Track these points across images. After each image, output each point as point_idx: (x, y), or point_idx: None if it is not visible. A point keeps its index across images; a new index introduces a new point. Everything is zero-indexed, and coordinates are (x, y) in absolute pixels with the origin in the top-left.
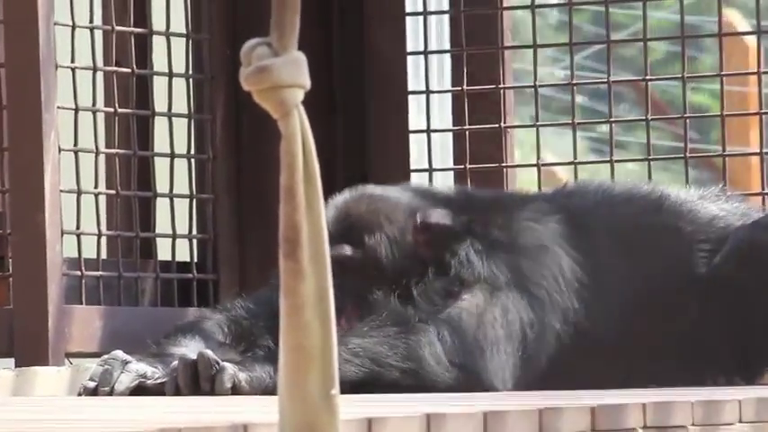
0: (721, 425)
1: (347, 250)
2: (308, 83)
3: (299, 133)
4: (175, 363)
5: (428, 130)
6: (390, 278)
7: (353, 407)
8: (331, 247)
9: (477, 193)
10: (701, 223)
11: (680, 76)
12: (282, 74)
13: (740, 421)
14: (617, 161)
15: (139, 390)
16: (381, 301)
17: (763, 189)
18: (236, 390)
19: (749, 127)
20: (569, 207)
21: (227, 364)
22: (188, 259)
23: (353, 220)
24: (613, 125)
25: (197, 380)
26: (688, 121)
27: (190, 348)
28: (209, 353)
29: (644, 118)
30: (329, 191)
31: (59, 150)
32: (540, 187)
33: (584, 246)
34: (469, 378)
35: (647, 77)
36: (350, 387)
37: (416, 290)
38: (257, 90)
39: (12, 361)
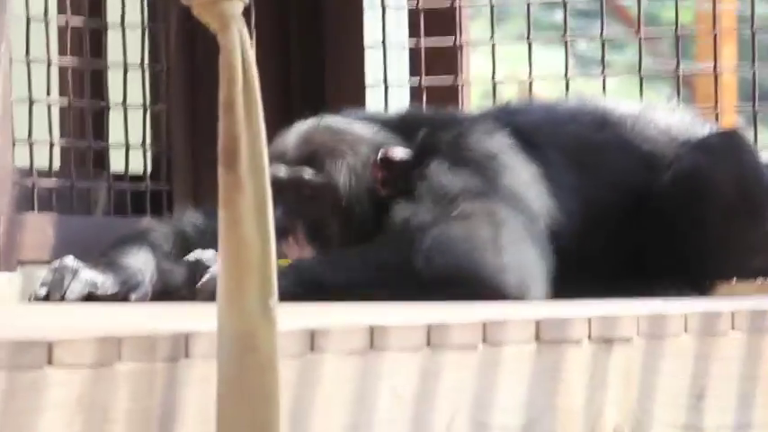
0: (666, 337)
1: (307, 173)
2: None
3: (238, 46)
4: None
5: (383, 46)
6: (344, 207)
7: (296, 318)
8: (291, 170)
9: (423, 113)
10: (648, 137)
11: None
12: None
13: (685, 333)
14: (607, 76)
15: (90, 298)
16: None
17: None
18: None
19: (721, 44)
20: (515, 124)
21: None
22: (141, 170)
23: (316, 146)
24: (590, 43)
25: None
26: (669, 36)
27: (139, 259)
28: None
29: (635, 34)
30: (285, 108)
31: (11, 61)
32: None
33: (532, 158)
34: (473, 279)
35: None
36: (347, 293)
37: (400, 211)
38: (196, 3)
39: None
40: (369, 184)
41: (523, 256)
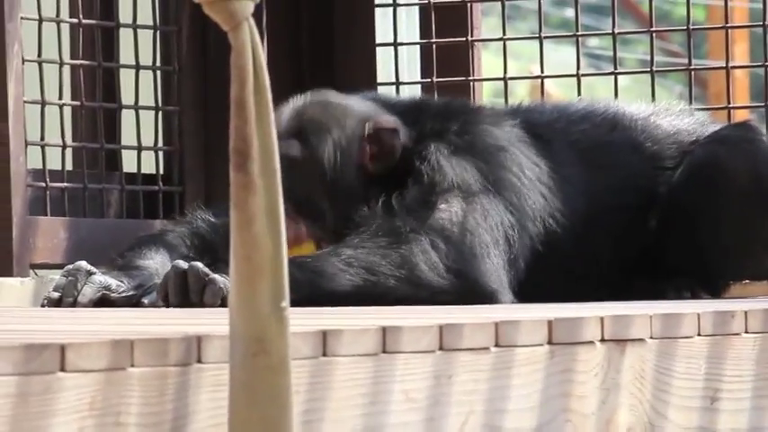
0: (680, 338)
1: (294, 148)
2: None
3: (249, 46)
4: (167, 271)
5: (395, 44)
6: (330, 183)
7: (308, 319)
8: (279, 144)
9: (434, 101)
10: (658, 139)
11: None
12: None
13: (699, 335)
14: (619, 73)
15: (103, 302)
16: (370, 213)
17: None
18: (225, 302)
19: (733, 41)
20: (527, 119)
21: (217, 276)
22: (154, 171)
23: (305, 120)
24: (602, 40)
25: (186, 291)
26: (681, 34)
27: (155, 261)
28: (200, 264)
29: (647, 30)
30: None
31: (23, 61)
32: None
33: (542, 152)
34: (466, 283)
35: None
36: (344, 298)
37: (395, 201)
38: (207, 2)
39: None
40: (357, 160)
41: (488, 266)
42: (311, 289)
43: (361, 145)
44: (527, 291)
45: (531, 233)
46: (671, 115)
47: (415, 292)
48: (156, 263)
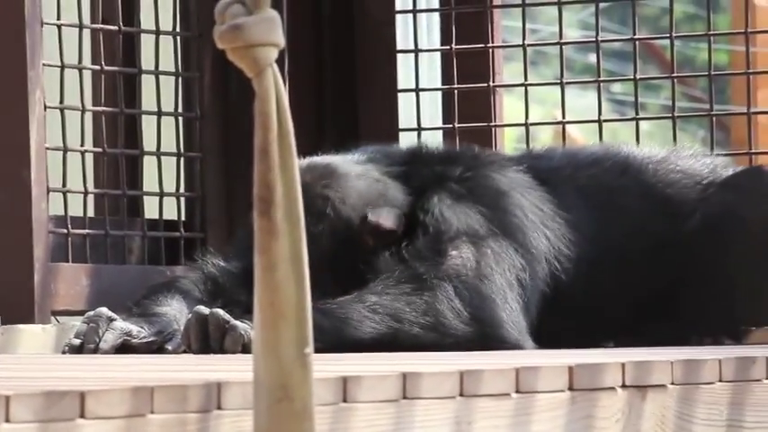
0: (701, 384)
1: None
2: (281, 41)
3: (272, 92)
4: (187, 318)
5: (417, 90)
6: (328, 265)
7: (329, 365)
8: None
9: (435, 149)
10: (670, 182)
11: (705, 33)
12: (255, 32)
13: (720, 380)
14: (641, 119)
15: (124, 348)
16: (391, 260)
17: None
18: (246, 348)
19: (756, 87)
20: (534, 165)
21: (237, 323)
22: (175, 218)
23: (303, 199)
24: (626, 86)
25: (207, 337)
26: (704, 80)
27: (173, 307)
28: (221, 311)
29: (669, 75)
30: (319, 150)
31: (45, 108)
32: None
33: (546, 197)
34: (489, 330)
35: (673, 35)
36: (369, 345)
37: (406, 251)
38: (231, 48)
39: None
40: (354, 242)
41: (507, 312)
42: (336, 336)
43: (359, 232)
44: (540, 334)
45: (540, 275)
46: (685, 158)
47: (441, 339)
48: (174, 309)
